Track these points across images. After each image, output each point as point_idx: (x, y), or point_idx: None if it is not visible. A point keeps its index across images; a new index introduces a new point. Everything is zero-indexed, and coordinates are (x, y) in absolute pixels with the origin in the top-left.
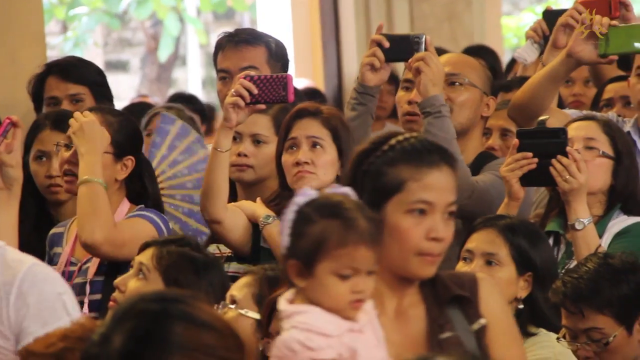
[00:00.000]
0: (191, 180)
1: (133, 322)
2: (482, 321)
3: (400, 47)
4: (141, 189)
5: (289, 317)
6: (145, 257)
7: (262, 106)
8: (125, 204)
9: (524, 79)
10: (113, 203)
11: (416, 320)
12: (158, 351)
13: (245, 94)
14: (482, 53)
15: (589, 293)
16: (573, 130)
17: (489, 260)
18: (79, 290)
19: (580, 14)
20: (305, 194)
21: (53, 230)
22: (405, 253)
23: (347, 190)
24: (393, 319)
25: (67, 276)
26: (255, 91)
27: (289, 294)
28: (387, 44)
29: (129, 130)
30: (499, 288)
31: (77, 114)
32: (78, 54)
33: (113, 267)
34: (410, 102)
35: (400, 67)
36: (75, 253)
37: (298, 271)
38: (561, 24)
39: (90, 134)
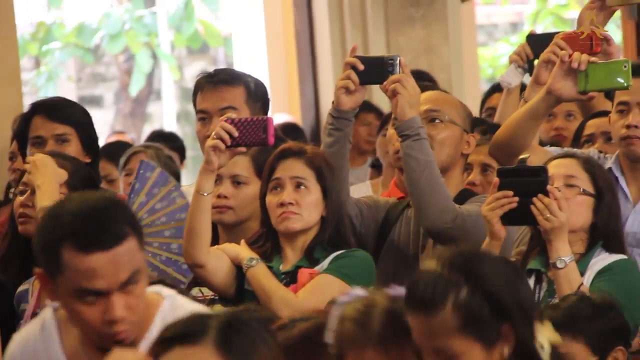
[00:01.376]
0: (169, 228)
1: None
2: None
3: (375, 70)
4: None
5: None
6: None
7: (243, 149)
8: None
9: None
10: None
11: None
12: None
13: (226, 136)
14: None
15: (564, 320)
16: (553, 168)
17: None
18: None
19: (561, 49)
20: (350, 296)
21: (20, 288)
22: None
23: (399, 291)
24: None
25: None
26: (236, 134)
27: None
28: (361, 67)
29: (82, 172)
30: None
31: (29, 157)
32: (51, 88)
33: None
34: None
35: (377, 96)
36: (40, 304)
37: None
38: (543, 60)
39: (43, 168)
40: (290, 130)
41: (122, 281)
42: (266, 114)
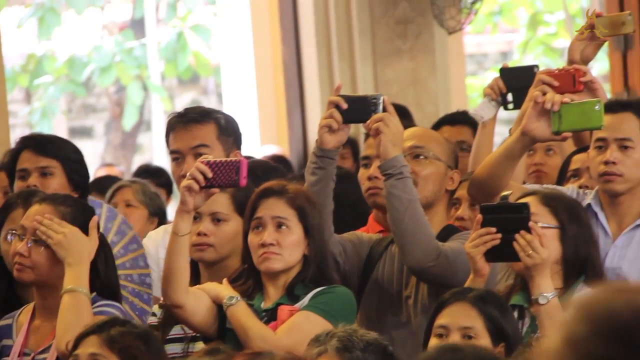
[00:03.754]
0: (128, 260)
1: None
2: None
3: (358, 108)
4: (94, 277)
5: None
6: (94, 347)
7: (216, 190)
8: None
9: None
10: None
11: None
12: None
13: (200, 177)
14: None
15: None
16: None
17: (467, 334)
18: None
19: (548, 85)
20: None
21: (0, 323)
22: None
23: None
24: None
25: None
26: (210, 175)
27: None
28: (344, 105)
29: (83, 220)
30: None
31: (54, 226)
32: (46, 124)
33: None
34: (369, 178)
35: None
36: (28, 344)
37: None
38: (531, 99)
39: (76, 244)
40: (277, 162)
41: None
42: (239, 148)
